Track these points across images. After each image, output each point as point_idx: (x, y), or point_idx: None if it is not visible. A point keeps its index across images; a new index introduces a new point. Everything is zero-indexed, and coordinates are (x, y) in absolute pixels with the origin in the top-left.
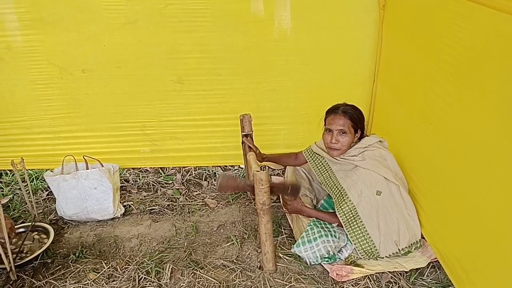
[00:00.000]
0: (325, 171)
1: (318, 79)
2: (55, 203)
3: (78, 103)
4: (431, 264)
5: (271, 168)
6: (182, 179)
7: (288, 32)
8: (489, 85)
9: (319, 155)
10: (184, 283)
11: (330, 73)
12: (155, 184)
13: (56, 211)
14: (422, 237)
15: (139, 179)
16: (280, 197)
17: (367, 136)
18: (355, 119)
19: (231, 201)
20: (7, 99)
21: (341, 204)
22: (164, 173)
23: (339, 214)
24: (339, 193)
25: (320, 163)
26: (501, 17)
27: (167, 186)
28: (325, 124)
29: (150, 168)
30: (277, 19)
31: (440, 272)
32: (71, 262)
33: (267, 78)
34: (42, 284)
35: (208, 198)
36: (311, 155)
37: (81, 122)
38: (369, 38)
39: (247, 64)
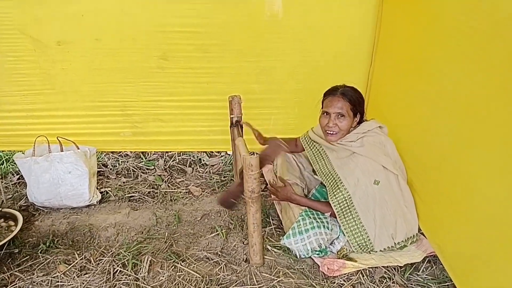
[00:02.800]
0: (321, 159)
1: (312, 61)
2: (26, 188)
3: (53, 78)
4: (427, 258)
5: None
6: (165, 165)
7: (280, 13)
8: (504, 64)
9: (317, 143)
10: (163, 276)
11: (323, 55)
12: (135, 170)
13: (27, 197)
14: (419, 231)
15: (118, 163)
16: (269, 185)
17: (367, 121)
18: (354, 102)
19: (216, 189)
20: None
21: (335, 193)
22: (146, 158)
23: (333, 203)
24: (334, 181)
25: (317, 151)
26: None
27: (148, 172)
28: (322, 107)
29: (131, 152)
30: (268, 1)
31: (436, 268)
32: (40, 253)
33: (258, 58)
34: (6, 277)
35: (192, 185)
36: (308, 142)
37: (56, 100)
38: (368, 17)
39: (237, 41)
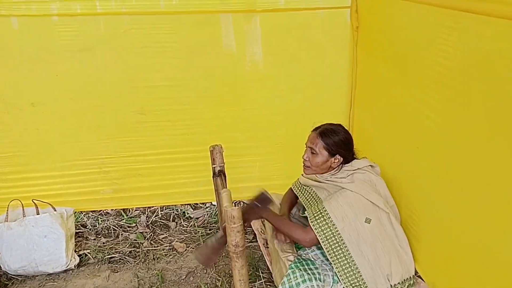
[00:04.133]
0: (314, 202)
1: (293, 108)
2: None
3: (26, 140)
4: None
5: (245, 203)
6: (147, 221)
7: (260, 64)
8: (484, 100)
9: (307, 186)
10: None
11: (304, 101)
12: (116, 228)
13: None
14: (415, 273)
15: (98, 223)
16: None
17: (358, 159)
18: (329, 143)
19: (202, 243)
20: None
21: (322, 228)
22: (127, 215)
23: (321, 238)
24: (320, 214)
25: (310, 195)
26: (493, 23)
27: (129, 230)
28: None
29: (111, 210)
30: (248, 52)
31: None
32: None
33: (239, 107)
34: None
35: (176, 241)
36: (299, 188)
37: (30, 162)
38: (343, 63)
39: (216, 92)
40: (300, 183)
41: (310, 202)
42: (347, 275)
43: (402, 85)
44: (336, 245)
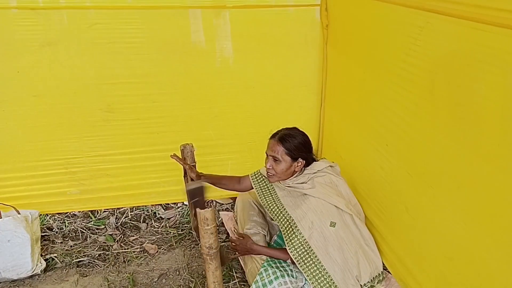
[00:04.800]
0: (269, 195)
1: (264, 105)
2: None
3: None
4: None
5: (219, 203)
6: (116, 223)
7: (230, 60)
8: (450, 98)
9: (266, 178)
10: None
11: (275, 98)
12: (84, 231)
13: None
14: (384, 268)
15: (65, 225)
16: (230, 239)
17: (317, 160)
18: (290, 148)
19: (174, 244)
20: None
21: (291, 238)
22: (95, 216)
23: (290, 249)
24: (288, 225)
25: (265, 186)
26: (461, 25)
27: (98, 232)
28: None
29: (78, 212)
30: (218, 48)
31: None
32: None
33: (210, 104)
34: None
35: (147, 242)
36: (257, 177)
37: None
38: (314, 61)
39: (187, 89)
40: (261, 173)
41: (264, 192)
42: (318, 280)
43: (372, 83)
44: (305, 253)
